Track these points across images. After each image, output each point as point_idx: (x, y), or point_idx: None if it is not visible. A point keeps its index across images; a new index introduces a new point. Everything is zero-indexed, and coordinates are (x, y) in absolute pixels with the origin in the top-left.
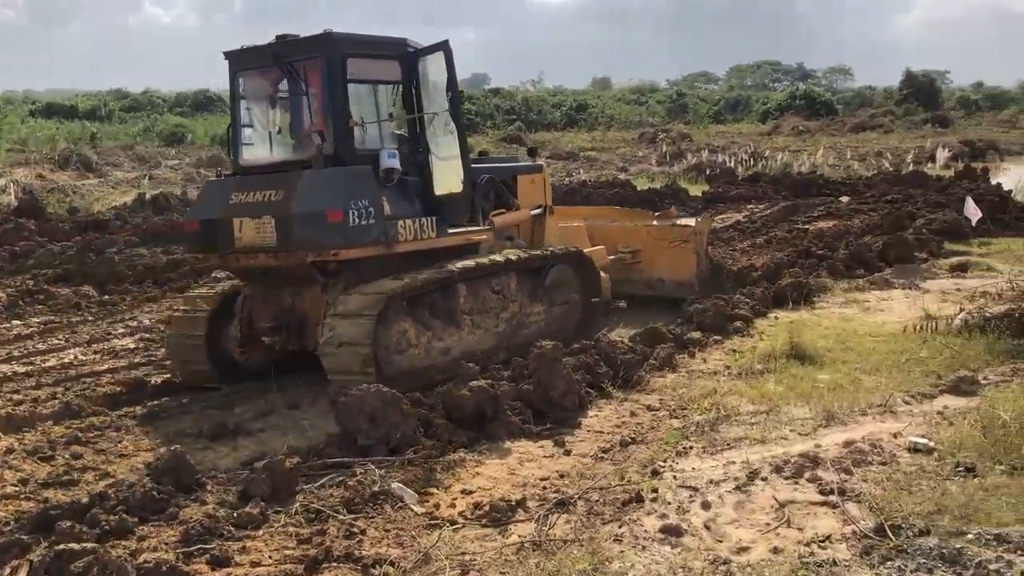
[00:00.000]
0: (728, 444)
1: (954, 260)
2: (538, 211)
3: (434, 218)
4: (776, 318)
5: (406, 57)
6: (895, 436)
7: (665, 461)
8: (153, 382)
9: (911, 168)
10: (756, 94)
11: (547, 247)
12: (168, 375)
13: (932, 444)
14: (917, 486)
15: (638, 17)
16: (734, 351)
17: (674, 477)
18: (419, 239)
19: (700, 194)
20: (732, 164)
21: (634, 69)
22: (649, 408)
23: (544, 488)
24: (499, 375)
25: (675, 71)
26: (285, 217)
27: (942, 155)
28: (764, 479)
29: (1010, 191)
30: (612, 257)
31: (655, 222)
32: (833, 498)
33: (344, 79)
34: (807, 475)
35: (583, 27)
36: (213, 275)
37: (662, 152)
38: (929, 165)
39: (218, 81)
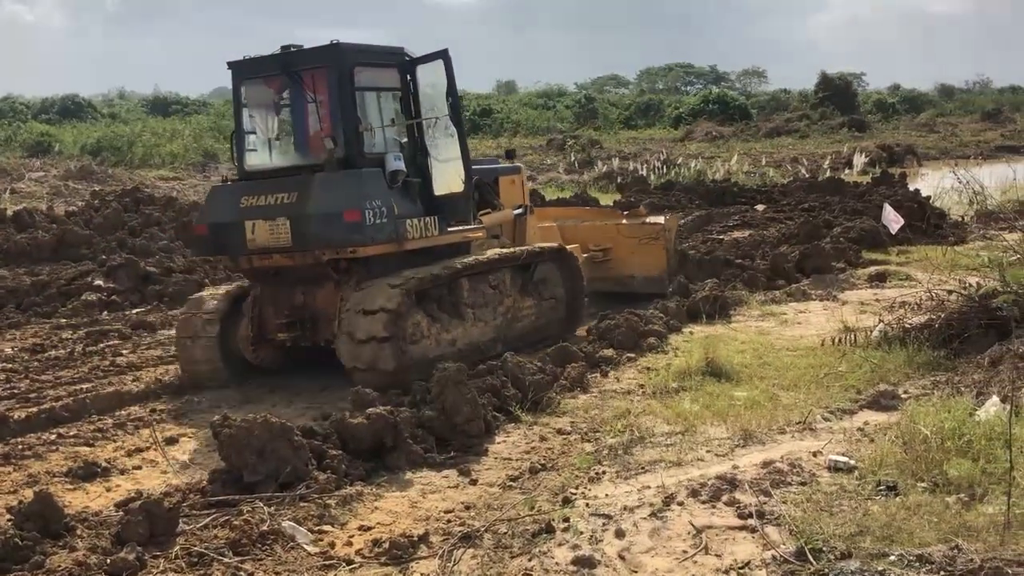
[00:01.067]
0: (643, 468)
1: (872, 269)
2: (519, 211)
3: (436, 217)
4: (691, 333)
5: (403, 65)
6: (814, 455)
7: (577, 488)
8: (16, 417)
9: (828, 174)
10: (668, 98)
11: (533, 245)
12: (35, 408)
13: (852, 462)
14: (838, 507)
15: (543, 17)
16: (648, 369)
17: (586, 505)
18: (424, 237)
19: (611, 204)
20: (644, 172)
21: (541, 72)
22: (560, 432)
23: (448, 521)
24: (398, 400)
25: (583, 73)
26: (301, 218)
27: (859, 160)
28: (680, 504)
29: (928, 197)
30: (584, 255)
31: (624, 220)
32: (752, 522)
33: (352, 87)
34: (725, 498)
35: (486, 28)
36: (83, 297)
37: (571, 159)
38: (846, 171)
39: (88, 86)
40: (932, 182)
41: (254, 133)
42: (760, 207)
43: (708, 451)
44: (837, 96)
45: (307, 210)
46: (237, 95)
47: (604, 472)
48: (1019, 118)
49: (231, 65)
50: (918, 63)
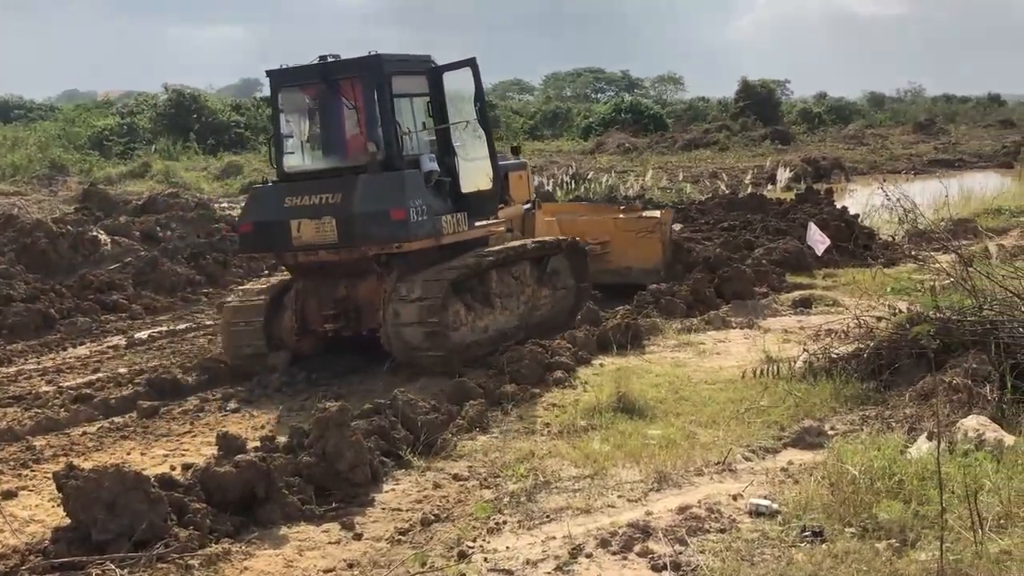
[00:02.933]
0: (548, 516)
1: (796, 294)
2: (528, 206)
3: (464, 213)
4: (602, 365)
5: (431, 72)
6: (734, 498)
7: (475, 540)
8: None
9: (749, 190)
10: (577, 106)
11: (545, 238)
12: None
13: (775, 506)
14: (759, 555)
15: (440, 18)
16: (554, 405)
17: (485, 559)
18: (456, 232)
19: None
20: (551, 187)
21: None
22: (456, 478)
23: None
24: (272, 446)
25: (484, 78)
26: (347, 216)
27: (783, 176)
28: (589, 556)
29: (857, 216)
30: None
31: (621, 215)
32: (667, 574)
33: (391, 94)
34: (637, 548)
35: (377, 29)
36: None
37: None
38: (769, 187)
39: None
40: (861, 199)
41: (291, 137)
42: (677, 227)
43: (619, 496)
44: (759, 105)
45: (353, 209)
46: (275, 102)
47: (505, 522)
48: (953, 129)
49: (270, 73)
50: (846, 70)
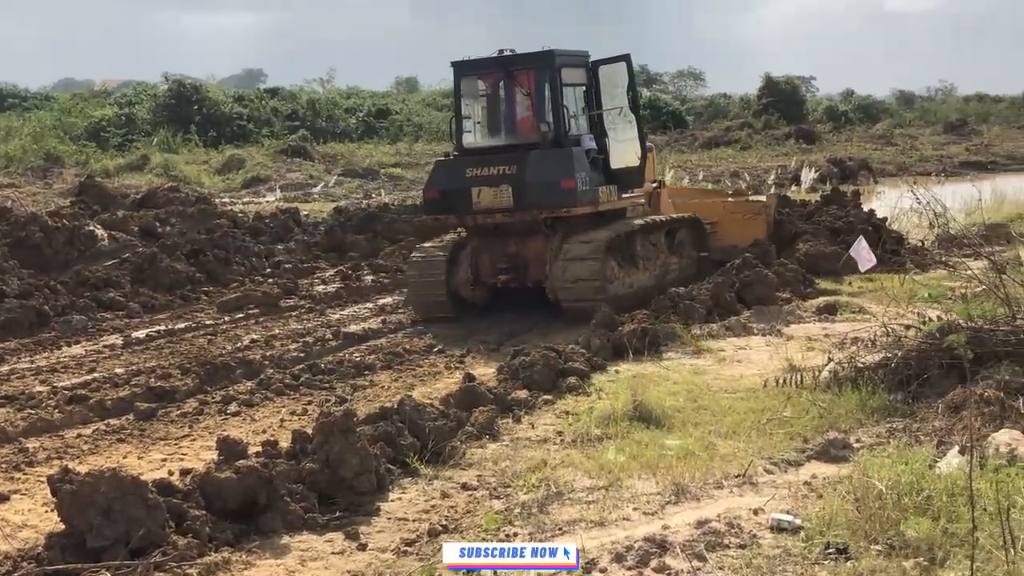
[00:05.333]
0: (560, 528)
1: (821, 300)
2: (656, 184)
3: (615, 186)
4: (617, 372)
5: (589, 66)
6: (755, 513)
7: None
8: None
9: (772, 191)
10: None
11: (674, 214)
12: None
13: (798, 522)
14: (781, 572)
15: (452, 4)
16: (567, 413)
17: (494, 573)
18: (609, 201)
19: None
20: None
21: (447, 68)
22: (465, 487)
23: None
24: (274, 451)
25: None
26: (523, 185)
27: (808, 176)
28: (603, 570)
29: (884, 219)
30: None
31: (730, 199)
32: None
33: (561, 83)
34: (653, 564)
35: (385, 15)
36: None
37: None
38: (793, 188)
39: None
40: (889, 201)
41: (469, 118)
42: None
43: (635, 508)
44: (783, 102)
45: (527, 179)
46: (457, 89)
47: (516, 534)
48: (986, 130)
49: (454, 64)
50: (875, 66)
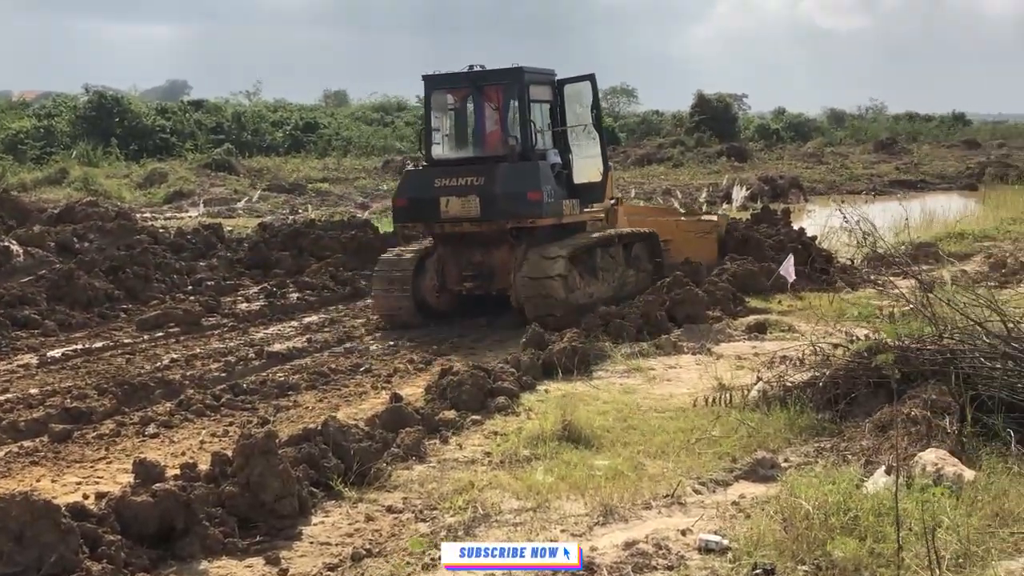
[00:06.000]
0: None
1: (751, 319)
2: (613, 201)
3: (577, 200)
4: (547, 391)
5: (554, 84)
6: (683, 533)
7: None
8: None
9: (704, 209)
10: None
11: (631, 229)
12: None
13: (726, 542)
14: None
15: (382, 19)
16: (496, 433)
17: None
18: (572, 214)
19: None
20: None
21: (377, 82)
22: (390, 510)
23: None
24: (192, 474)
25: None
26: (491, 196)
27: (739, 194)
28: None
29: (814, 238)
30: None
31: (683, 218)
32: None
33: (529, 99)
34: None
35: (312, 29)
36: None
37: None
38: (725, 206)
39: None
40: (819, 220)
41: (438, 131)
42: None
43: (563, 530)
44: (715, 120)
45: (496, 190)
46: (428, 101)
47: (440, 558)
48: (916, 149)
49: (425, 78)
50: (806, 85)
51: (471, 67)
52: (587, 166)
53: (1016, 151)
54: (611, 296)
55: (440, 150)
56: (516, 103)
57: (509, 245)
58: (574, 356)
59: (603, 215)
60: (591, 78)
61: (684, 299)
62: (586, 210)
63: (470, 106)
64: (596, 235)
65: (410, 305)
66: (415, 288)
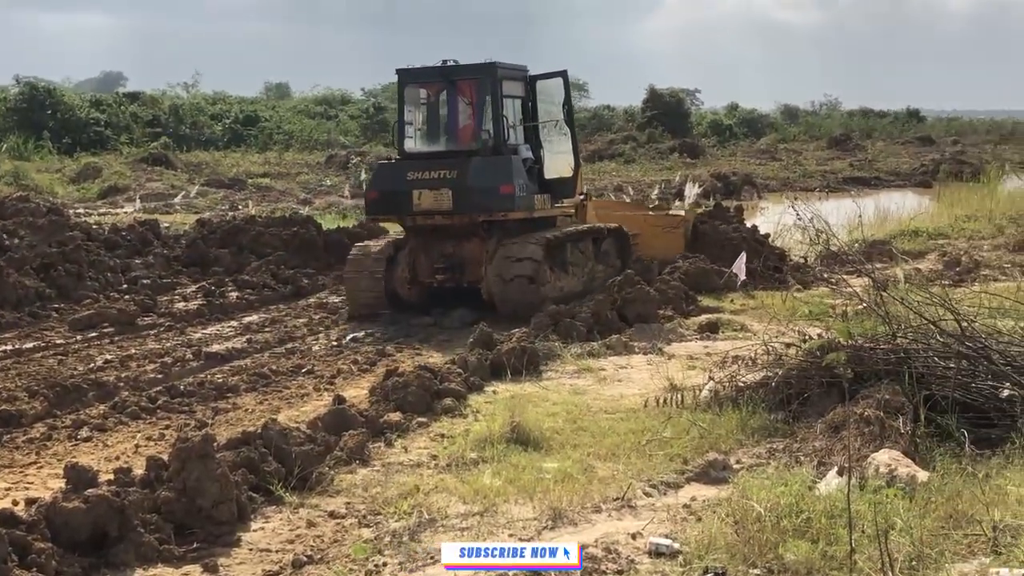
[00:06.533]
0: (432, 557)
1: (703, 318)
2: (582, 197)
3: (548, 195)
4: (495, 392)
5: (527, 80)
6: (634, 537)
7: None
8: None
9: (655, 206)
10: None
11: (600, 224)
12: None
13: (676, 546)
14: None
15: (326, 10)
16: (442, 436)
17: None
18: (543, 208)
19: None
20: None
21: (320, 74)
22: (332, 515)
23: None
24: (127, 479)
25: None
26: (463, 189)
27: (692, 191)
28: None
29: (767, 235)
30: None
31: (651, 212)
32: None
33: (502, 95)
34: None
35: (253, 20)
36: None
37: (357, 180)
38: (676, 203)
39: None
40: (772, 217)
41: (411, 124)
42: None
43: (511, 534)
44: (667, 115)
45: (468, 183)
46: (401, 95)
47: (385, 564)
48: (870, 146)
49: (399, 72)
50: (760, 80)
51: (445, 62)
52: (558, 161)
53: (970, 148)
54: (581, 290)
55: (413, 144)
56: (489, 98)
57: (480, 238)
58: (523, 356)
59: (573, 210)
60: (563, 75)
61: (635, 298)
62: (557, 205)
63: (444, 101)
64: (567, 229)
65: (381, 296)
66: (387, 279)
